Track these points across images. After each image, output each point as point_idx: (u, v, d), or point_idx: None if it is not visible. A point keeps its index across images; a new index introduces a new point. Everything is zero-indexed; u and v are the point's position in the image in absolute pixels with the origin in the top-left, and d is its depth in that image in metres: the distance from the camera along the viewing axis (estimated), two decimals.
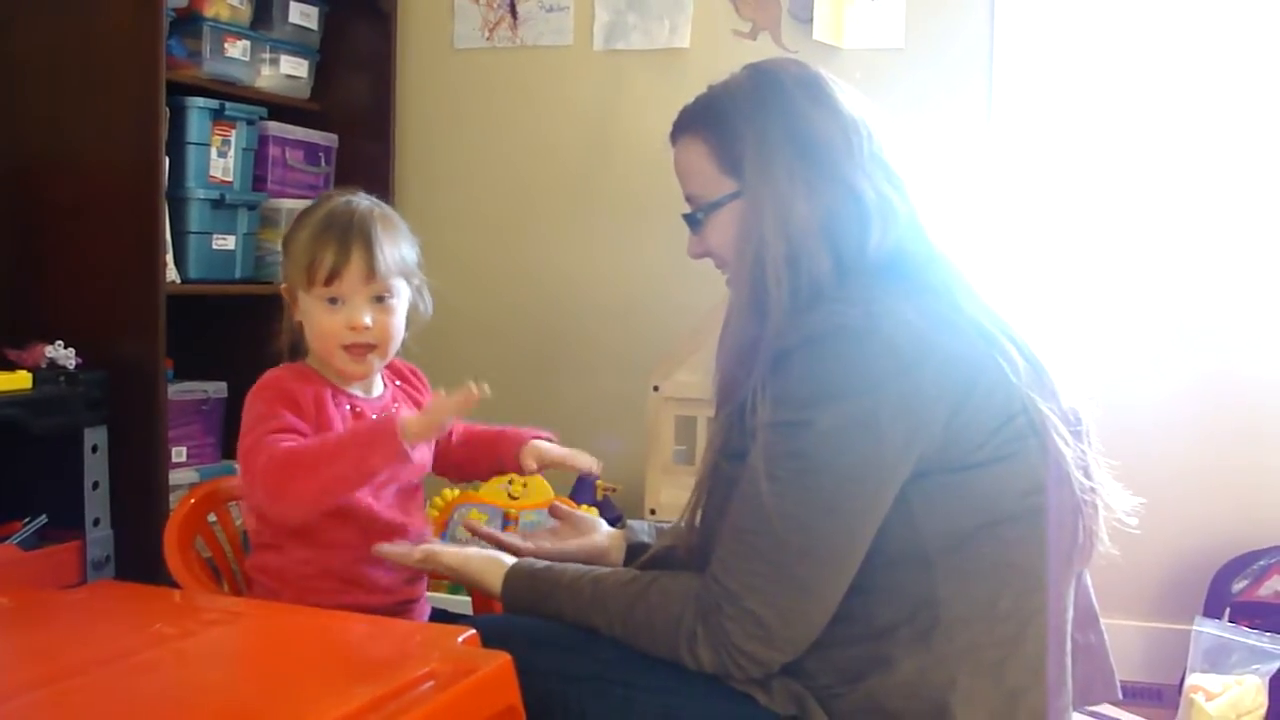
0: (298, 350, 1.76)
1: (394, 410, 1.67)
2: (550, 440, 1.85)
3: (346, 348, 1.67)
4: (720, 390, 1.53)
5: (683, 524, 1.57)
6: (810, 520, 1.35)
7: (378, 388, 1.77)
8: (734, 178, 1.50)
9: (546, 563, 1.60)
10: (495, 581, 1.57)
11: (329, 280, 1.65)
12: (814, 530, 1.35)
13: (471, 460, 1.89)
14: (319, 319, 1.67)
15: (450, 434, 1.88)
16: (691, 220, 1.57)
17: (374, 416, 1.72)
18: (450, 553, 1.62)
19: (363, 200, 1.72)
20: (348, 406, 1.71)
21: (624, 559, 1.77)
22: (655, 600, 1.44)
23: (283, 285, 1.73)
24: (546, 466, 1.84)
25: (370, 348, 1.68)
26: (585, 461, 1.82)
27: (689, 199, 1.57)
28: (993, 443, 1.37)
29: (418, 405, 1.81)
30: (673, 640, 1.41)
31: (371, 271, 1.65)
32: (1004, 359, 1.39)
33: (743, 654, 1.37)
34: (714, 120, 1.52)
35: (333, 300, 1.66)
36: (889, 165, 1.49)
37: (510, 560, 1.60)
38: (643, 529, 1.81)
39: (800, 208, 1.44)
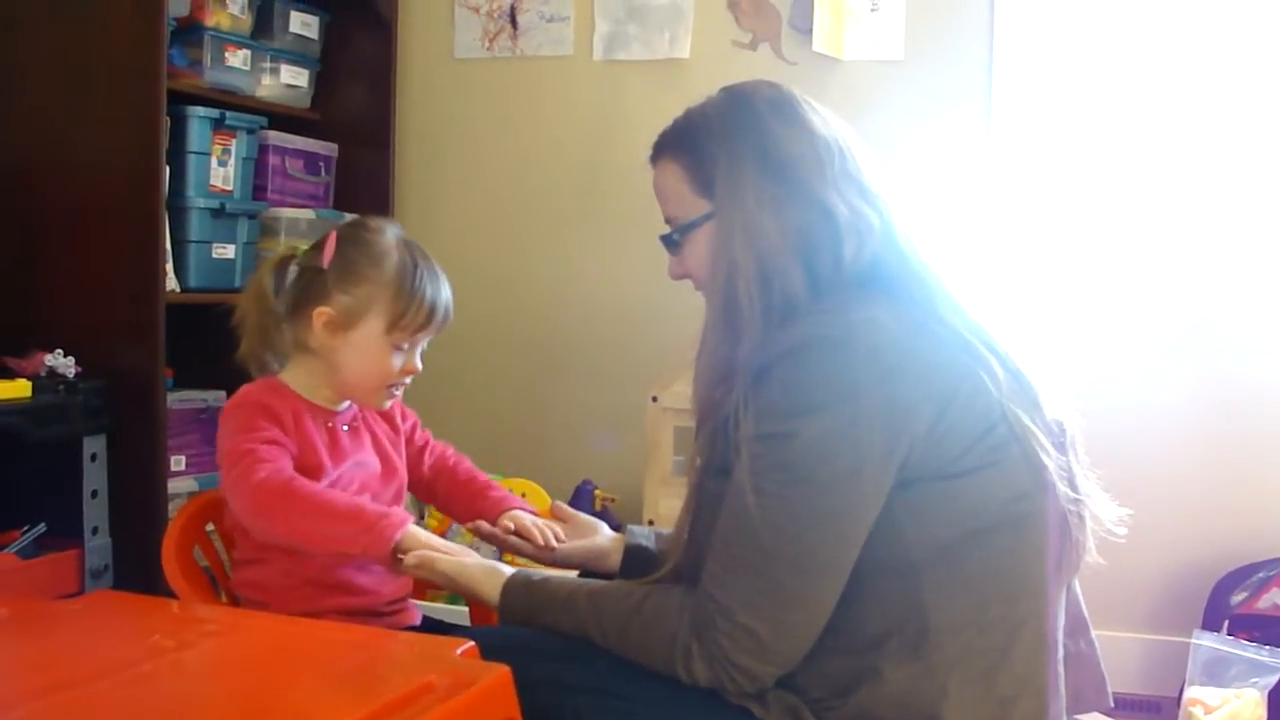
0: (258, 363, 1.76)
1: (392, 513, 1.61)
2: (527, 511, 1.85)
3: (389, 386, 1.71)
4: (700, 408, 1.53)
5: (674, 540, 1.57)
6: (799, 531, 1.35)
7: (345, 400, 1.78)
8: (707, 198, 1.52)
9: (544, 574, 1.60)
10: (493, 592, 1.57)
11: (419, 329, 1.68)
12: (803, 541, 1.35)
13: (449, 497, 1.91)
14: (380, 359, 1.68)
15: (423, 457, 1.89)
16: (668, 241, 1.59)
17: (344, 428, 1.74)
18: (447, 560, 1.61)
19: (413, 241, 1.74)
20: (322, 421, 1.71)
21: (622, 562, 1.78)
22: (649, 616, 1.44)
23: (326, 310, 1.67)
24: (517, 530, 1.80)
25: (404, 387, 1.73)
26: (542, 537, 1.79)
27: (667, 221, 1.59)
28: (976, 450, 1.38)
29: (385, 417, 1.82)
30: (668, 656, 1.41)
31: (446, 321, 1.71)
32: (984, 370, 1.40)
33: (737, 668, 1.37)
34: (687, 142, 1.54)
35: (402, 346, 1.68)
36: (864, 181, 1.50)
37: (508, 570, 1.60)
38: (642, 534, 1.82)
39: (769, 226, 1.45)
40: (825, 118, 1.53)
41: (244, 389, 1.70)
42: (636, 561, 1.75)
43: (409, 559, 1.60)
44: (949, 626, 1.38)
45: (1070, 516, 1.45)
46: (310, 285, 1.70)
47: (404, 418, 1.87)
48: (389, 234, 1.71)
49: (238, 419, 1.65)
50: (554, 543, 1.79)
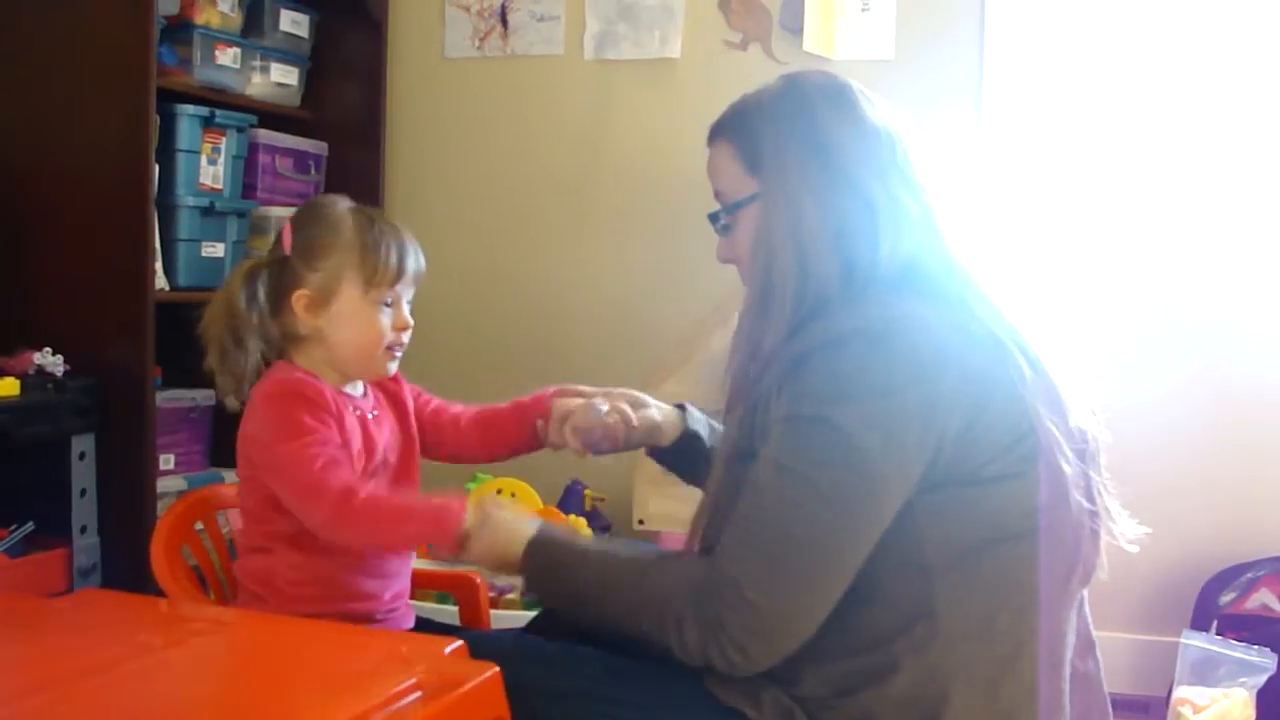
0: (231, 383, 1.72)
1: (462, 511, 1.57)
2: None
3: (388, 348, 1.70)
4: (732, 391, 1.53)
5: (696, 521, 1.56)
6: (816, 514, 1.35)
7: (360, 386, 1.76)
8: (756, 178, 1.52)
9: (565, 533, 1.59)
10: (520, 542, 1.54)
11: (395, 280, 1.67)
12: (818, 524, 1.35)
13: (494, 438, 1.89)
14: (371, 321, 1.67)
15: (458, 419, 1.87)
16: (714, 219, 1.59)
17: (370, 415, 1.73)
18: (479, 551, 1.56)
19: (367, 206, 1.74)
20: (352, 409, 1.70)
21: (675, 441, 1.79)
22: (657, 576, 1.45)
23: (302, 292, 1.66)
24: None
25: (402, 347, 1.72)
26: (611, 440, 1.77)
27: (717, 197, 1.60)
28: (1004, 459, 1.38)
29: (393, 400, 1.80)
30: (662, 615, 1.40)
31: (419, 271, 1.70)
32: (1016, 375, 1.40)
33: (732, 642, 1.36)
34: (740, 122, 1.55)
35: (387, 302, 1.68)
36: (910, 176, 1.50)
37: (532, 529, 1.56)
38: (701, 421, 1.81)
39: (810, 211, 1.46)
40: (879, 109, 1.54)
41: (277, 378, 1.66)
42: (686, 450, 1.78)
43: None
44: (957, 632, 1.38)
45: (1082, 529, 1.45)
46: (281, 276, 1.70)
47: (411, 396, 1.85)
48: (340, 204, 1.72)
49: (283, 409, 1.62)
50: (633, 424, 1.76)
